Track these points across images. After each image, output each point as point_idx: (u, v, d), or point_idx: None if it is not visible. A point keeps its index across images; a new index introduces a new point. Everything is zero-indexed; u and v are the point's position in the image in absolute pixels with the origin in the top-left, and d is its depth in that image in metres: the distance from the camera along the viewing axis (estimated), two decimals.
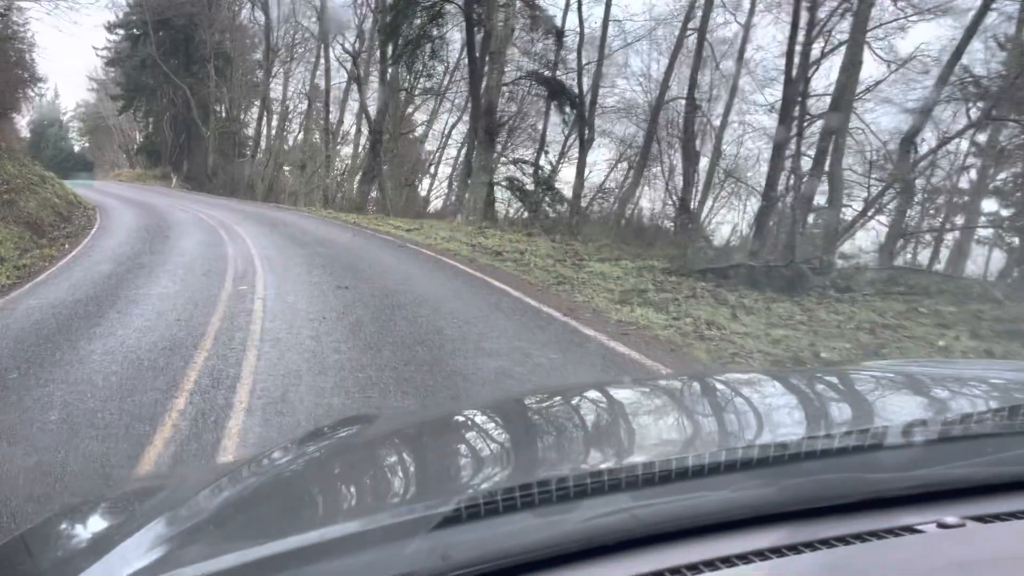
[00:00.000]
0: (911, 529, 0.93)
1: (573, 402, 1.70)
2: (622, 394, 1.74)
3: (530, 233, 16.84)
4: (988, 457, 1.08)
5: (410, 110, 37.83)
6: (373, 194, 30.71)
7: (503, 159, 27.80)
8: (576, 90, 25.90)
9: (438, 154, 42.75)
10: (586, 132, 28.51)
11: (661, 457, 1.01)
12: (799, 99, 19.15)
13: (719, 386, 1.81)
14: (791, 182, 20.54)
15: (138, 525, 1.05)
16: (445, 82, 36.92)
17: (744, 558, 0.87)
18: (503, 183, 24.67)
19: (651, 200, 32.12)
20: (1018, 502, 1.00)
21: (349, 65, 34.87)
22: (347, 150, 43.42)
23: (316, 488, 1.24)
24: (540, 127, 28.85)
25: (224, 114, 47.68)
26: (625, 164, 32.39)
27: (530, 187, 24.98)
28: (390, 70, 30.64)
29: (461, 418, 1.71)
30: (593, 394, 1.76)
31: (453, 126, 41.39)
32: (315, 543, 0.86)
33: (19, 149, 38.34)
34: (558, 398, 1.83)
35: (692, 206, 23.92)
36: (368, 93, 33.98)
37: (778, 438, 1.23)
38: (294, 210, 26.98)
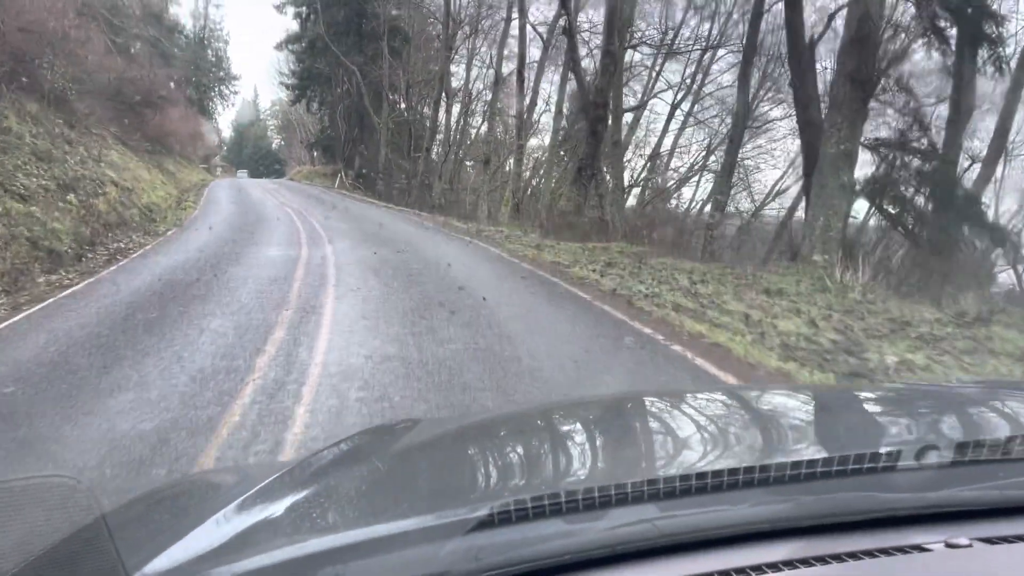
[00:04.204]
0: (920, 548, 0.94)
1: (602, 413, 1.74)
2: (650, 407, 1.78)
3: None
4: (999, 481, 1.08)
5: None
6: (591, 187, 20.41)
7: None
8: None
9: (660, 142, 31.79)
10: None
11: (683, 471, 1.08)
12: None
13: (742, 401, 1.82)
14: None
15: (206, 514, 1.14)
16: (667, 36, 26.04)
17: (758, 569, 0.88)
18: (866, 187, 13.10)
19: None
20: None
21: (556, 5, 24.79)
22: (534, 141, 33.45)
23: (363, 489, 1.29)
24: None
25: (402, 103, 39.82)
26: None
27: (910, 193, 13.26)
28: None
29: (496, 427, 1.73)
30: (622, 405, 1.82)
31: (679, 102, 30.32)
32: (362, 540, 0.92)
33: (176, 143, 33.07)
34: (589, 409, 1.84)
35: None
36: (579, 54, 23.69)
37: (796, 456, 1.19)
38: (478, 242, 16.91)
